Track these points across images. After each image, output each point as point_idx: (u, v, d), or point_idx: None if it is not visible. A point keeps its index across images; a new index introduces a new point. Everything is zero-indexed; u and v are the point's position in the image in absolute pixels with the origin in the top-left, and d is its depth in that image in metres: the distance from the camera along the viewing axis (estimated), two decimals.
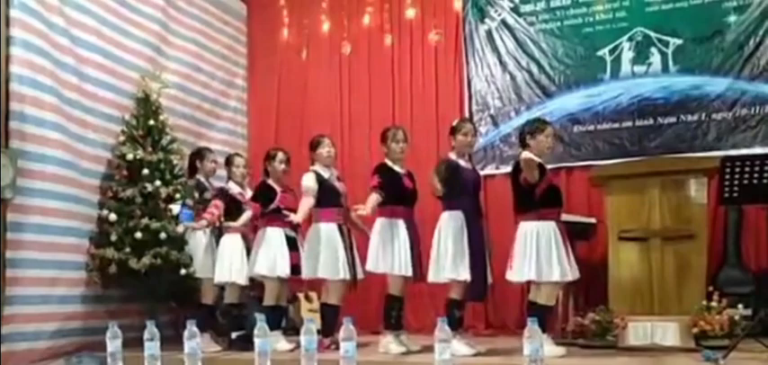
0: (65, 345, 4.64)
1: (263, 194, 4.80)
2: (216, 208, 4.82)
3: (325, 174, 4.66)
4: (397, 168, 4.50)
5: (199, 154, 5.31)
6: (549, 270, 3.94)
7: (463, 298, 4.18)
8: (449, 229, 4.15)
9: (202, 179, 5.20)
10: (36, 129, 4.50)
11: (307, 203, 4.57)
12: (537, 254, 3.95)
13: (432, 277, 4.24)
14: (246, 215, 4.79)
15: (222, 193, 4.98)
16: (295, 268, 4.70)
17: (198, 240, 4.98)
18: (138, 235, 4.76)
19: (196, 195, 5.07)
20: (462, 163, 4.32)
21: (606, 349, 4.14)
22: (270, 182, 4.86)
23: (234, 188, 5.04)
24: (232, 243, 4.88)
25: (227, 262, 4.86)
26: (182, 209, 4.89)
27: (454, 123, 4.46)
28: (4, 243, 4.30)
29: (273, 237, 4.73)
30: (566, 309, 4.69)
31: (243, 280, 4.85)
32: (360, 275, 4.62)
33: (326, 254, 4.48)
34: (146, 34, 5.59)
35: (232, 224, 4.83)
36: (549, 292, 4.01)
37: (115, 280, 4.84)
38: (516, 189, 4.13)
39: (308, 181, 4.60)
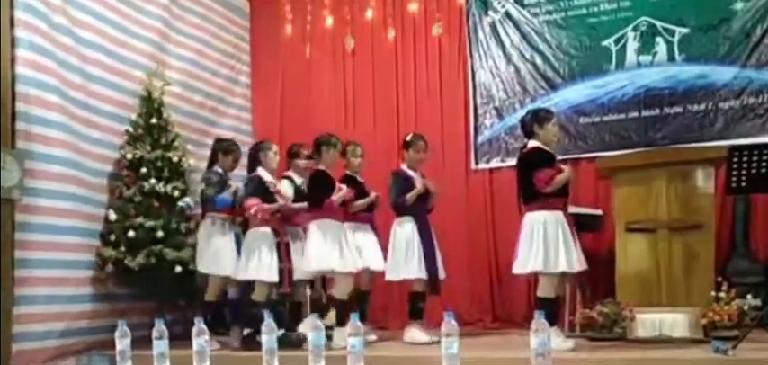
0: (74, 344, 4.66)
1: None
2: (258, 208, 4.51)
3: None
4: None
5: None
6: (556, 260, 3.92)
7: (424, 291, 4.64)
8: (402, 233, 4.63)
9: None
10: (42, 129, 4.51)
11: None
12: (544, 245, 3.93)
13: (388, 276, 4.69)
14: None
15: (260, 183, 4.63)
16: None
17: (208, 234, 4.77)
18: (131, 233, 4.78)
19: (234, 186, 4.78)
20: (412, 174, 4.74)
21: (615, 341, 4.12)
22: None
23: (266, 176, 4.70)
24: (261, 238, 4.54)
25: (255, 259, 4.50)
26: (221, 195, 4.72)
27: (408, 138, 4.85)
28: (13, 243, 4.31)
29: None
30: (573, 302, 4.68)
31: (274, 278, 4.51)
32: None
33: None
34: (149, 32, 5.59)
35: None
36: (547, 284, 3.98)
37: (119, 279, 4.85)
38: (522, 180, 4.12)
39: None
